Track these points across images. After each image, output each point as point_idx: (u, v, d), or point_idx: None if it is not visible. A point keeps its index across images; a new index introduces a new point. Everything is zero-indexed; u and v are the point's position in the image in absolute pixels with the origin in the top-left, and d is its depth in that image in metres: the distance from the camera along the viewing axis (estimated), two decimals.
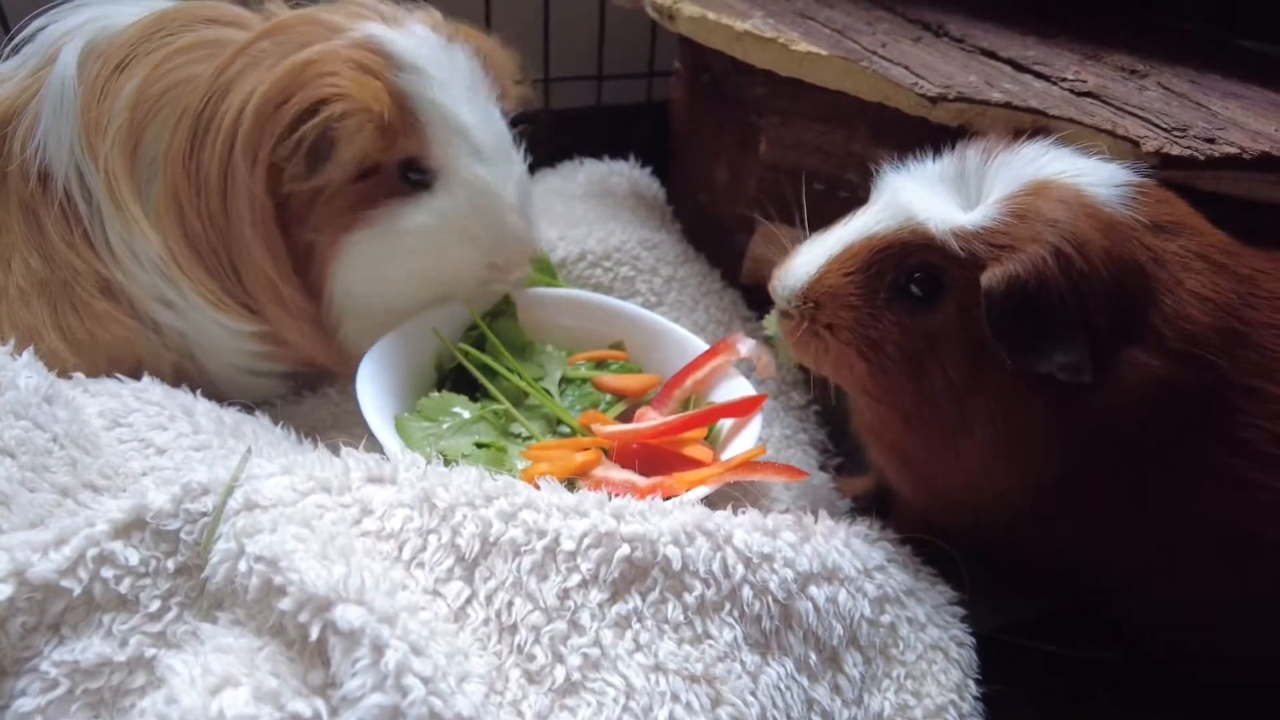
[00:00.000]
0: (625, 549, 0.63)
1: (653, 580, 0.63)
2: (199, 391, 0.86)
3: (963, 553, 0.77)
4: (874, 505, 0.92)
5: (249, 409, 0.89)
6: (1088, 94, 0.88)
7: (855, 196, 0.81)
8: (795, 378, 1.10)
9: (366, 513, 0.62)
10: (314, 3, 0.91)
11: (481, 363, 0.92)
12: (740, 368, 0.93)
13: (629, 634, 0.61)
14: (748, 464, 0.78)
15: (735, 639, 0.63)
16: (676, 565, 0.63)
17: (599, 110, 1.55)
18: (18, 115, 0.84)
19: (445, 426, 0.84)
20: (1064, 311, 0.63)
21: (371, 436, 0.79)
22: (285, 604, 0.53)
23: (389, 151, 0.84)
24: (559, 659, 0.59)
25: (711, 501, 0.73)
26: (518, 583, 0.61)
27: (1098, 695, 0.82)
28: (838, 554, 0.69)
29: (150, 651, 0.57)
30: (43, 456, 0.69)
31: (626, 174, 1.40)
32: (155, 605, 0.59)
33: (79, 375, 0.83)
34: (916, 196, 0.70)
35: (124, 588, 0.58)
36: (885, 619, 0.71)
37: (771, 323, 0.80)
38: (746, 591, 0.64)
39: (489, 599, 0.60)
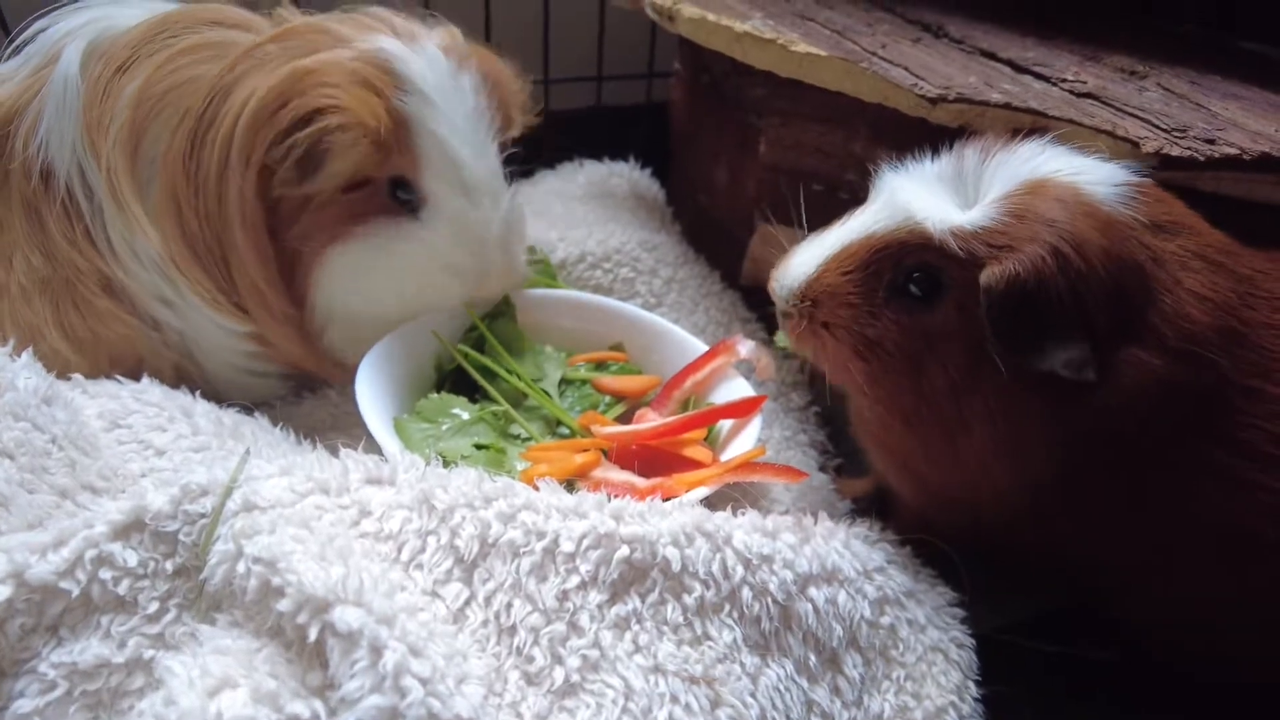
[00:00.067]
0: (624, 550, 0.63)
1: (652, 581, 0.63)
2: (198, 393, 0.86)
3: (962, 553, 0.77)
4: (874, 507, 0.92)
5: (248, 410, 0.89)
6: (1087, 95, 0.88)
7: (855, 197, 0.80)
8: (795, 379, 1.10)
9: (365, 514, 0.62)
10: (325, 9, 0.91)
11: (481, 364, 0.92)
12: (740, 369, 0.93)
13: (628, 635, 0.61)
14: (747, 465, 0.78)
15: (735, 640, 0.63)
16: (676, 566, 0.63)
17: (599, 111, 1.55)
18: (20, 114, 0.84)
19: (444, 428, 0.84)
20: (1063, 310, 0.63)
21: (370, 438, 0.79)
22: (284, 605, 0.53)
23: (381, 167, 0.85)
24: (558, 660, 0.59)
25: (711, 503, 0.73)
26: (517, 584, 0.61)
27: (1097, 695, 0.82)
28: (837, 555, 0.69)
29: (149, 653, 0.57)
30: (42, 458, 0.69)
31: (626, 175, 1.40)
32: (154, 607, 0.58)
33: (78, 377, 0.83)
34: (915, 196, 0.70)
35: (122, 589, 0.58)
36: (885, 620, 0.71)
37: (782, 337, 0.80)
38: (746, 593, 0.64)
39: (488, 600, 0.60)
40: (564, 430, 0.89)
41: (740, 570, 0.64)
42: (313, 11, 0.93)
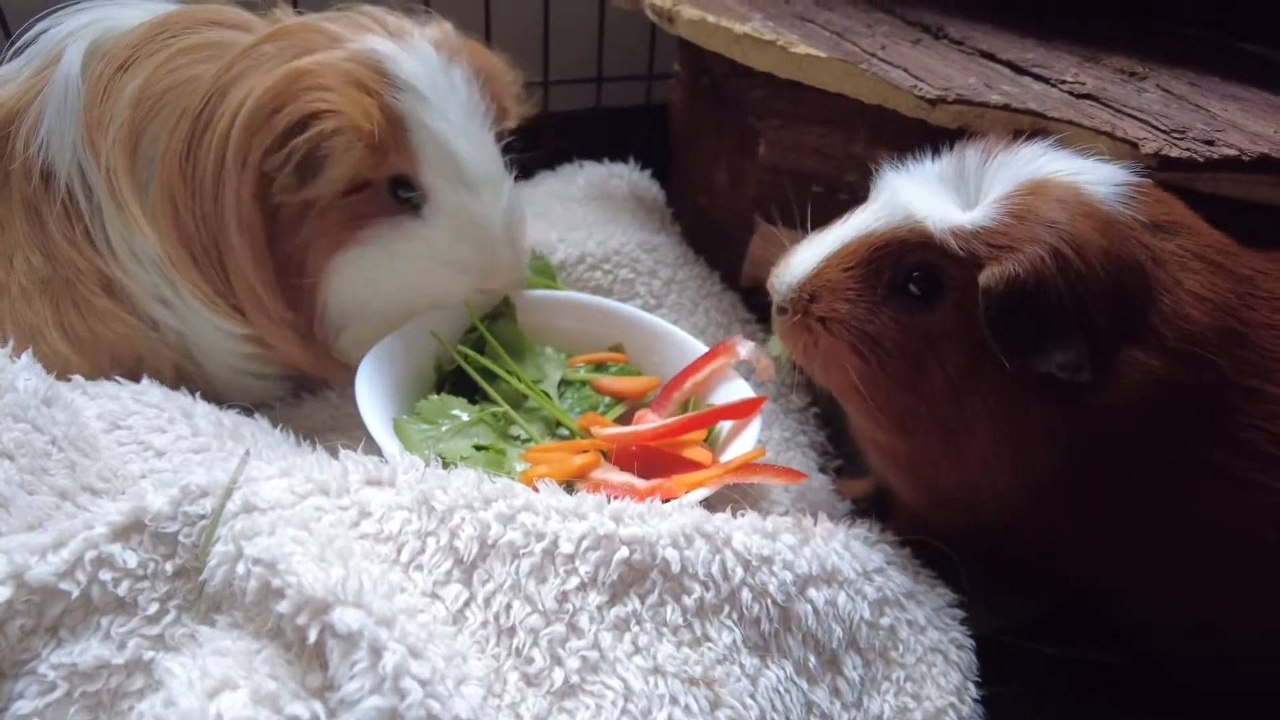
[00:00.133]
0: (624, 551, 0.63)
1: (651, 583, 0.63)
2: (198, 394, 0.86)
3: (962, 555, 0.77)
4: (873, 508, 0.92)
5: (248, 412, 0.89)
6: (1087, 96, 0.88)
7: (855, 198, 0.80)
8: (795, 380, 1.10)
9: (365, 515, 0.62)
10: (320, 8, 0.91)
11: (480, 365, 0.92)
12: (740, 370, 0.93)
13: (628, 636, 0.61)
14: (747, 466, 0.78)
15: (734, 641, 0.63)
16: (675, 568, 0.63)
17: (599, 113, 1.55)
18: (21, 114, 0.84)
19: (444, 429, 0.84)
20: (1062, 311, 0.63)
21: (370, 439, 0.79)
22: (283, 606, 0.53)
23: (379, 168, 0.85)
24: (557, 661, 0.59)
25: (711, 504, 0.73)
26: (516, 585, 0.61)
27: (1097, 697, 0.82)
28: (837, 556, 0.69)
29: (148, 654, 0.57)
30: (41, 459, 0.69)
31: (626, 176, 1.40)
32: (153, 608, 0.58)
33: (78, 378, 0.83)
34: (915, 195, 0.70)
35: (122, 590, 0.58)
36: (885, 621, 0.71)
37: (775, 344, 0.80)
38: (745, 594, 0.64)
39: (487, 601, 0.60)
40: (564, 431, 0.89)
41: (740, 571, 0.64)
42: (305, 11, 0.93)
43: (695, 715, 0.59)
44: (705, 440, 0.87)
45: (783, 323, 0.77)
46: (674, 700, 0.59)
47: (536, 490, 0.66)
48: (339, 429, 0.92)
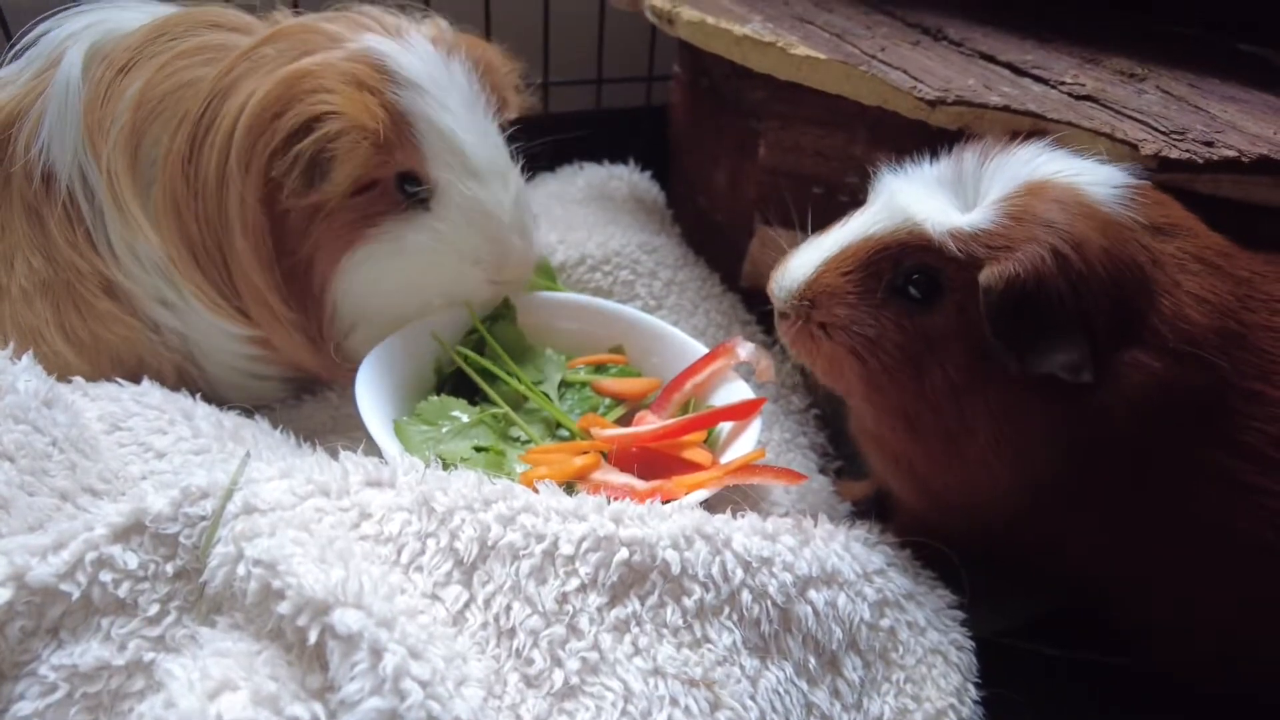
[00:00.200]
0: (624, 553, 0.63)
1: (651, 584, 0.63)
2: (199, 395, 0.86)
3: (962, 556, 0.77)
4: (874, 509, 0.92)
5: (248, 413, 0.89)
6: (1086, 97, 0.88)
7: (854, 199, 0.81)
8: (795, 381, 1.10)
9: (365, 516, 0.62)
10: (319, 10, 0.91)
11: (481, 366, 0.92)
12: (740, 371, 0.93)
13: (628, 638, 0.61)
14: (747, 467, 0.78)
15: (734, 643, 0.63)
16: (675, 569, 0.63)
17: (599, 114, 1.55)
18: (22, 117, 0.85)
19: (444, 430, 0.84)
20: (1063, 311, 0.63)
21: (370, 440, 0.79)
22: (284, 608, 0.53)
23: (386, 167, 0.85)
24: (557, 663, 0.59)
25: (711, 505, 0.73)
26: (516, 586, 0.61)
27: (1098, 698, 0.82)
28: (837, 558, 0.69)
29: (149, 655, 0.57)
30: (42, 460, 0.69)
31: (626, 178, 1.40)
32: (154, 609, 0.59)
33: (79, 379, 0.83)
34: (914, 198, 0.70)
35: (123, 591, 0.58)
36: (885, 623, 0.71)
37: None
38: (745, 595, 0.64)
39: (487, 603, 0.60)
40: (564, 433, 0.89)
41: (740, 573, 0.64)
42: (304, 12, 0.93)
43: (695, 716, 0.59)
44: (705, 442, 0.87)
45: (785, 328, 0.77)
46: (674, 701, 0.59)
47: (536, 491, 0.66)
48: (339, 430, 0.92)
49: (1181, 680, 0.78)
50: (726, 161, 1.20)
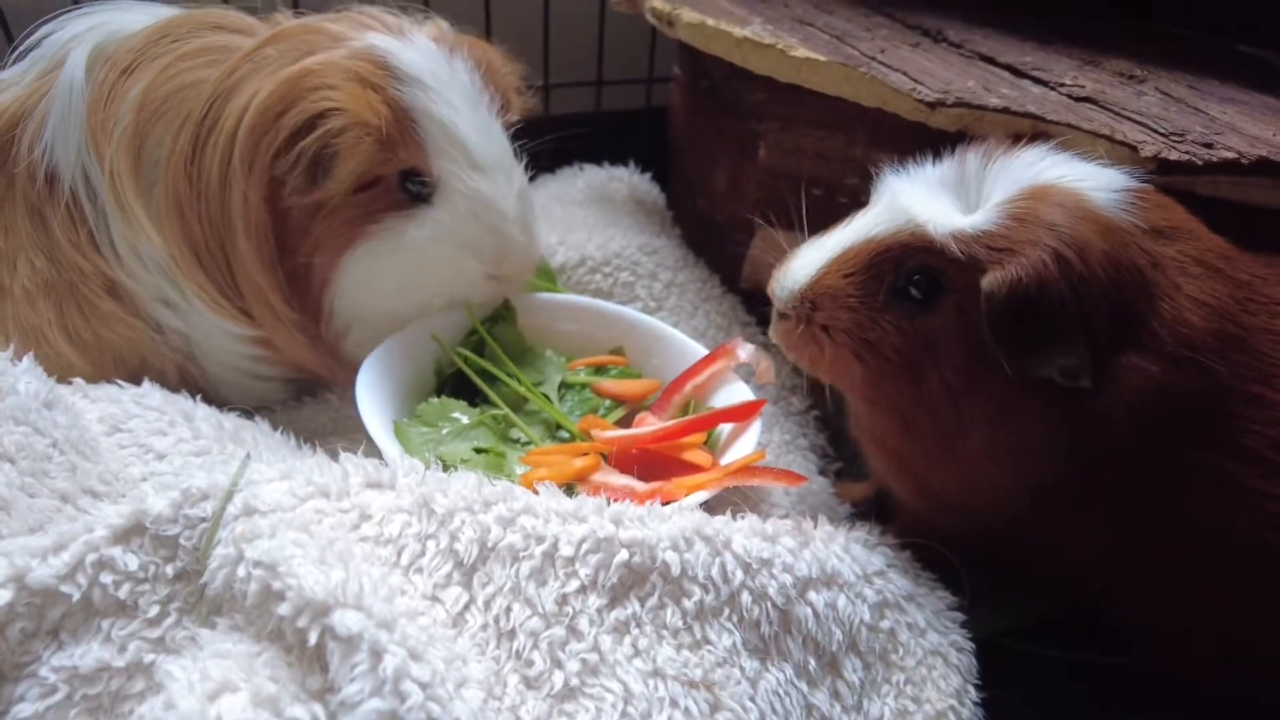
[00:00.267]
0: (624, 554, 0.63)
1: (651, 585, 0.63)
2: (199, 397, 0.86)
3: (962, 557, 0.77)
4: (873, 510, 0.92)
5: (249, 414, 0.89)
6: (1086, 99, 0.89)
7: (855, 201, 0.81)
8: (795, 383, 1.10)
9: (365, 518, 0.62)
10: (321, 11, 0.91)
11: (481, 368, 0.92)
12: (740, 373, 0.93)
13: (627, 639, 0.61)
14: (747, 469, 0.78)
15: (734, 644, 0.63)
16: (675, 570, 0.63)
17: (599, 116, 1.55)
18: (25, 118, 0.85)
19: (444, 432, 0.84)
20: (1064, 314, 0.63)
21: (370, 442, 0.79)
22: (284, 609, 0.53)
23: (389, 163, 0.85)
24: (557, 664, 0.59)
25: (711, 506, 0.73)
26: (516, 588, 0.61)
27: (1098, 699, 0.82)
28: (837, 559, 0.69)
29: (149, 657, 0.57)
30: (42, 462, 0.69)
31: (626, 179, 1.40)
32: (154, 611, 0.59)
33: (79, 381, 0.83)
34: (916, 199, 0.70)
35: (123, 593, 0.58)
36: (885, 624, 0.71)
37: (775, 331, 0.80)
38: (745, 597, 0.64)
39: (487, 604, 0.60)
40: (564, 434, 0.89)
41: (740, 574, 0.64)
42: (306, 13, 0.93)
43: (695, 718, 0.59)
44: (705, 443, 0.87)
45: (786, 330, 0.77)
46: (674, 703, 0.59)
47: (536, 493, 0.66)
48: (339, 432, 0.92)
49: (1181, 680, 0.77)
50: (727, 163, 1.21)
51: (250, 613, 0.56)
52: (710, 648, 0.62)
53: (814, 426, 1.06)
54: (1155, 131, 0.81)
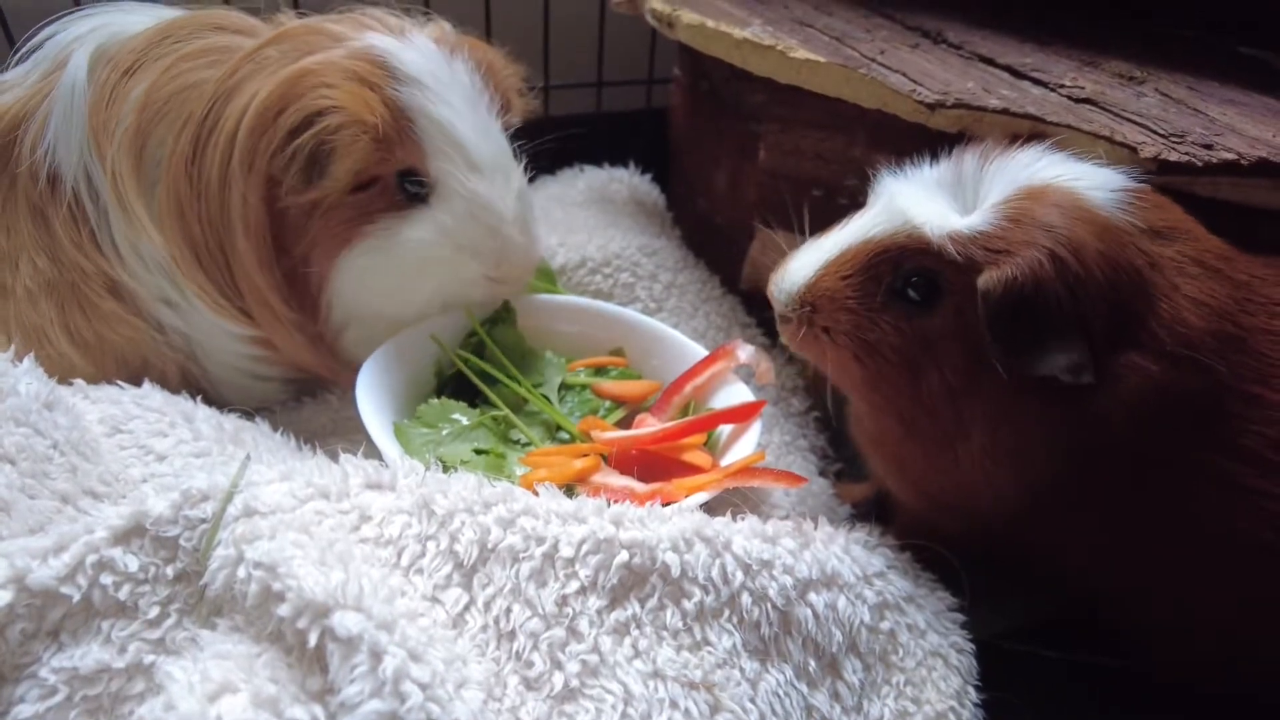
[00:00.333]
0: (624, 555, 0.63)
1: (651, 587, 0.63)
2: (199, 398, 0.87)
3: (962, 558, 0.77)
4: (873, 511, 0.92)
5: (249, 415, 0.89)
6: (1085, 100, 0.89)
7: (854, 202, 0.81)
8: (795, 384, 1.10)
9: (365, 519, 0.62)
10: (321, 12, 0.92)
11: (481, 369, 0.92)
12: (740, 374, 0.93)
13: (627, 641, 0.61)
14: (747, 470, 0.78)
15: (734, 646, 0.63)
16: (675, 572, 0.63)
17: (599, 117, 1.55)
18: (28, 119, 0.85)
19: (444, 433, 0.84)
20: (1060, 314, 0.63)
21: (370, 443, 0.79)
22: (284, 610, 0.53)
23: (386, 163, 0.85)
24: (557, 665, 0.59)
25: (711, 508, 0.73)
26: (516, 589, 0.61)
27: (1098, 700, 0.82)
28: (837, 560, 0.70)
29: (149, 658, 0.57)
30: (43, 463, 0.69)
31: (626, 180, 1.40)
32: (154, 612, 0.59)
33: (80, 382, 0.83)
34: (913, 201, 0.70)
35: (123, 594, 0.58)
36: (885, 625, 0.71)
37: None
38: (745, 598, 0.64)
39: (487, 605, 0.60)
40: (564, 435, 0.89)
41: (740, 575, 0.64)
42: (307, 13, 0.93)
43: (695, 719, 0.59)
44: (705, 444, 0.87)
45: (790, 333, 0.77)
46: (674, 704, 0.59)
47: (536, 494, 0.66)
48: (340, 433, 0.92)
49: (1181, 681, 0.77)
50: (727, 164, 1.21)
51: (250, 614, 0.56)
52: (710, 649, 0.63)
53: (814, 428, 1.06)
54: (1155, 133, 0.82)
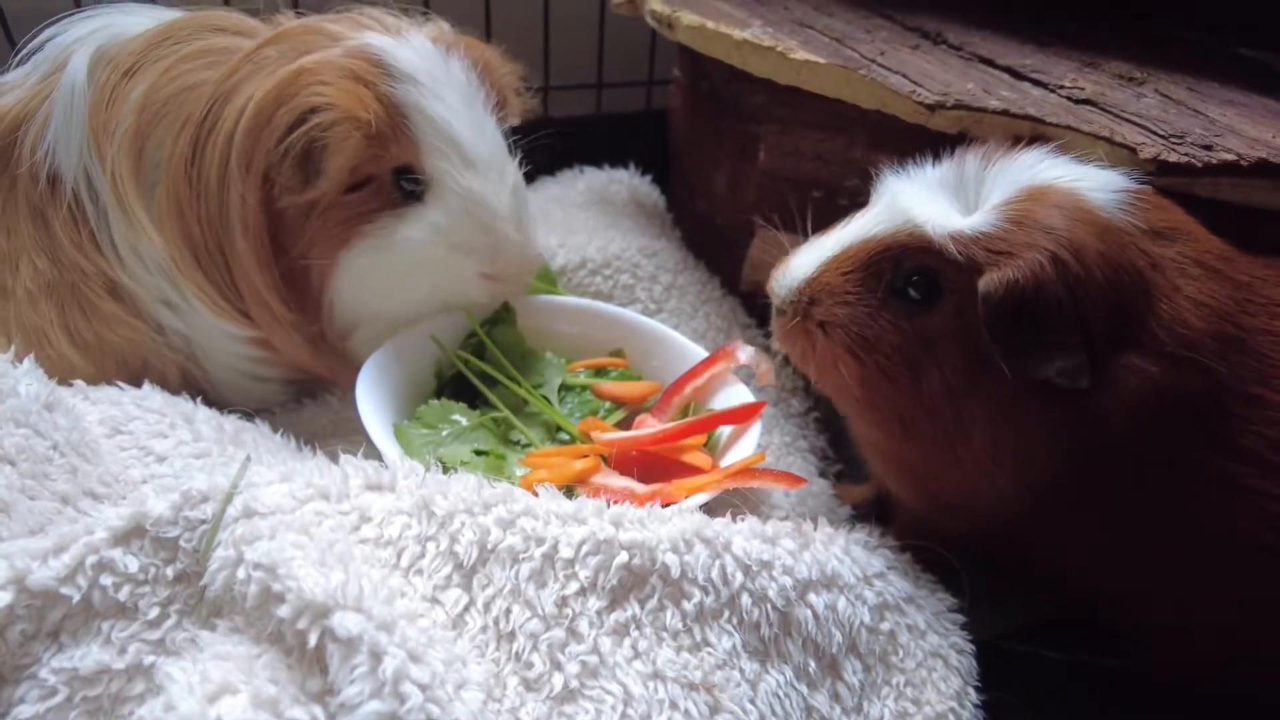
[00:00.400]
0: (624, 556, 0.63)
1: (651, 588, 0.63)
2: (199, 399, 0.87)
3: (962, 558, 0.77)
4: (873, 512, 0.92)
5: (249, 417, 0.89)
6: (1085, 101, 0.89)
7: (854, 203, 0.81)
8: (795, 385, 1.10)
9: (365, 520, 0.62)
10: (320, 12, 0.92)
11: (481, 370, 0.92)
12: (740, 375, 0.93)
13: (627, 641, 0.61)
14: (747, 471, 0.78)
15: (734, 647, 0.63)
16: (675, 573, 0.63)
17: (599, 118, 1.56)
18: (28, 120, 0.85)
19: (444, 434, 0.84)
20: (1061, 316, 0.63)
21: (370, 444, 0.79)
22: (284, 611, 0.53)
23: (381, 161, 0.84)
24: (557, 666, 0.59)
25: (710, 509, 0.73)
26: (516, 590, 0.61)
27: (1098, 700, 0.82)
28: (837, 561, 0.69)
29: (149, 659, 0.57)
30: (43, 464, 0.69)
31: (626, 182, 1.40)
32: (154, 612, 0.59)
33: (80, 383, 0.83)
34: (915, 200, 0.70)
35: (123, 595, 0.58)
36: (885, 626, 0.71)
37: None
38: (745, 599, 0.64)
39: (487, 606, 0.60)
40: (564, 436, 0.89)
41: (740, 576, 0.64)
42: (306, 13, 0.93)
43: None
44: (705, 445, 0.87)
45: (781, 325, 0.77)
46: (673, 705, 0.59)
47: (536, 495, 0.66)
48: (340, 434, 0.92)
49: (1181, 681, 0.77)
50: (727, 165, 1.21)
51: (250, 615, 0.56)
52: (710, 650, 0.62)
53: (814, 429, 1.06)
54: (1155, 134, 0.82)
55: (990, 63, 1.00)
